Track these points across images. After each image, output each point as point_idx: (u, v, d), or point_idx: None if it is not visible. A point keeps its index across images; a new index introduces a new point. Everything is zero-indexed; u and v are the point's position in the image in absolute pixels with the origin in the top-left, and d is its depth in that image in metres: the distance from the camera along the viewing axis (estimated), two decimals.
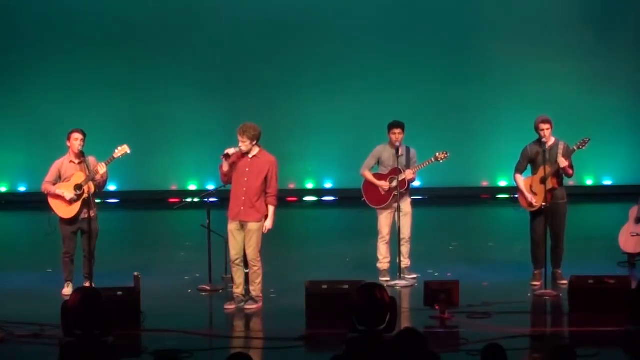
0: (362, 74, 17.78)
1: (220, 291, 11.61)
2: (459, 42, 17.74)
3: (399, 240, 11.87)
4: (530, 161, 11.73)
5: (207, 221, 11.86)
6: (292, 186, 18.00)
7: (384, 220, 11.98)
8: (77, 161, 11.37)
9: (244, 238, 10.76)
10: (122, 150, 11.38)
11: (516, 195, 11.97)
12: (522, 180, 11.76)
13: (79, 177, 11.30)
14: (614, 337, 9.29)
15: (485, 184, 18.28)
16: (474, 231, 15.39)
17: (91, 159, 11.35)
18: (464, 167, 17.26)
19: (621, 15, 17.87)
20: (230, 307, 10.88)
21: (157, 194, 18.02)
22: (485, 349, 6.90)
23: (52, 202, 11.37)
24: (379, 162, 12.02)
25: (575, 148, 11.53)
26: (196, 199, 14.87)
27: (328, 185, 18.29)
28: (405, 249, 11.95)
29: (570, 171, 11.60)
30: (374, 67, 17.76)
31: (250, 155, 10.72)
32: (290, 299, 11.09)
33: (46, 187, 11.38)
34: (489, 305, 10.69)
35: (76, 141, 11.34)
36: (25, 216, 16.67)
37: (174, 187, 18.22)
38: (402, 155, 11.86)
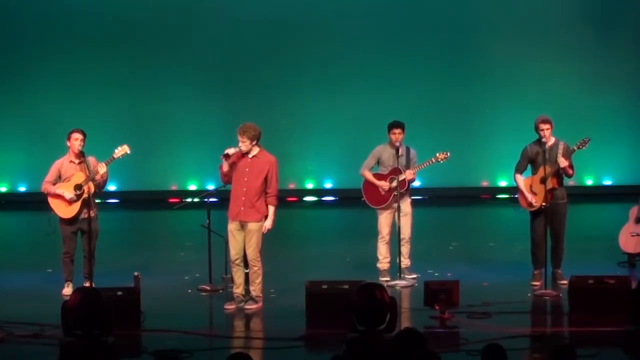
0: (362, 74, 17.79)
1: (220, 291, 11.61)
2: (459, 42, 17.74)
3: (399, 240, 11.87)
4: (530, 161, 11.73)
5: (207, 221, 11.86)
6: (292, 186, 18.00)
7: (384, 220, 11.98)
8: (77, 161, 11.37)
9: (244, 238, 10.75)
10: (122, 150, 11.38)
11: (516, 195, 11.97)
12: (522, 180, 11.76)
13: (79, 177, 11.30)
14: (614, 337, 9.29)
15: (485, 184, 18.28)
16: (474, 231, 15.39)
17: (91, 159, 11.35)
18: (464, 167, 17.26)
19: (621, 15, 17.87)
20: (230, 307, 10.88)
21: (157, 194, 18.03)
22: (485, 349, 6.90)
23: (52, 202, 11.37)
24: (378, 162, 12.01)
25: (575, 148, 11.53)
26: (196, 199, 14.87)
27: (328, 185, 18.29)
28: (405, 249, 11.94)
29: (570, 171, 11.60)
30: (374, 67, 17.76)
31: (250, 155, 10.72)
32: (290, 299, 11.09)
33: (46, 187, 11.38)
34: (489, 305, 10.69)
35: (76, 141, 11.34)
36: (25, 216, 16.67)
37: (174, 187, 18.23)
38: (402, 155, 11.86)
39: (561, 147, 11.53)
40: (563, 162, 11.46)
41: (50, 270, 12.36)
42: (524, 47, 17.66)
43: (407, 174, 11.85)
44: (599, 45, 17.78)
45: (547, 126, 11.51)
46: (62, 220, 11.40)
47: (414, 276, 11.97)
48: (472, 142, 17.73)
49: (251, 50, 17.79)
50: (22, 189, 18.15)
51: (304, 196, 18.36)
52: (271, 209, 10.82)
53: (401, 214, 11.87)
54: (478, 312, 10.51)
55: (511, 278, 11.96)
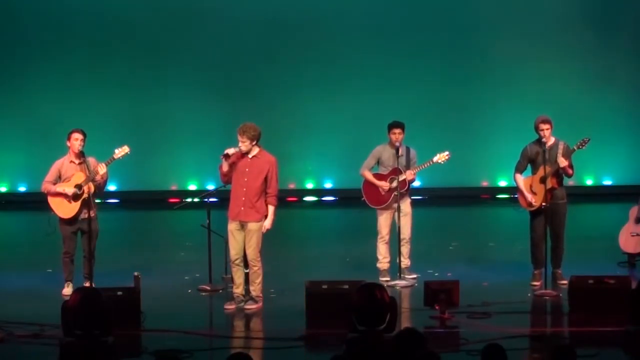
0: (362, 74, 17.79)
1: (220, 291, 11.60)
2: (459, 42, 17.74)
3: (399, 240, 11.87)
4: (530, 161, 11.73)
5: (207, 221, 11.86)
6: (292, 186, 18.00)
7: (384, 220, 11.98)
8: (77, 161, 11.37)
9: (244, 238, 10.75)
10: (122, 151, 11.38)
11: (516, 195, 11.97)
12: (521, 180, 11.76)
13: (79, 177, 11.30)
14: (614, 337, 9.29)
15: (485, 184, 18.28)
16: (474, 231, 15.39)
17: (91, 160, 11.34)
18: (464, 167, 17.25)
19: (621, 15, 17.87)
20: (230, 307, 10.88)
21: (157, 194, 18.02)
22: (485, 349, 6.90)
23: (52, 202, 11.37)
24: (378, 162, 12.01)
25: (575, 148, 11.53)
26: (196, 199, 14.87)
27: (328, 185, 18.29)
28: (405, 249, 11.94)
29: (570, 171, 11.60)
30: (374, 67, 17.76)
31: (250, 155, 10.72)
32: (290, 299, 11.09)
33: (46, 186, 11.38)
34: (489, 305, 10.69)
35: (76, 141, 11.33)
36: (25, 216, 16.66)
37: (174, 187, 18.23)
38: (402, 155, 11.86)
39: (561, 147, 11.53)
40: (563, 162, 11.46)
41: (50, 270, 12.36)
42: (524, 47, 17.66)
43: (407, 174, 11.85)
44: (599, 45, 17.78)
45: (547, 126, 11.52)
46: (62, 220, 11.40)
47: (414, 276, 11.97)
48: (472, 142, 17.73)
49: (251, 50, 17.79)
50: (22, 189, 18.15)
51: (304, 196, 18.35)
52: (271, 209, 10.82)
53: (401, 214, 11.87)
54: (478, 312, 10.51)
55: (511, 278, 11.96)
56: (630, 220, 12.58)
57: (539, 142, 11.56)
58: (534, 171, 11.70)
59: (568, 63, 17.75)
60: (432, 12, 17.78)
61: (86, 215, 11.21)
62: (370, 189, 11.99)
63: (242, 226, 10.74)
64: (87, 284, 11.14)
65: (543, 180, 11.46)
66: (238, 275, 10.85)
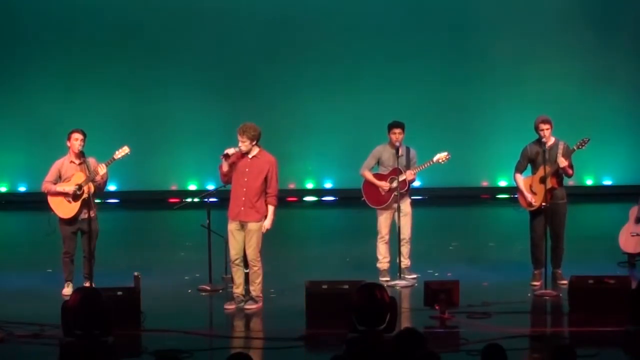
0: (362, 74, 17.79)
1: (220, 291, 11.60)
2: (459, 42, 17.74)
3: (399, 240, 11.87)
4: (530, 161, 11.73)
5: (207, 221, 11.86)
6: (292, 186, 18.00)
7: (384, 220, 11.98)
8: (77, 161, 11.37)
9: (244, 238, 10.75)
10: (123, 151, 11.39)
11: (516, 195, 11.97)
12: (521, 180, 11.76)
13: (79, 177, 11.30)
14: (614, 337, 9.29)
15: (485, 184, 18.28)
16: (474, 231, 15.39)
17: (91, 160, 11.34)
18: (464, 167, 17.24)
19: (621, 15, 17.87)
20: (230, 307, 10.88)
21: (157, 194, 18.03)
22: (485, 349, 6.90)
23: (52, 202, 11.37)
24: (378, 162, 12.01)
25: (575, 148, 11.53)
26: (196, 199, 14.87)
27: (328, 185, 18.29)
28: (405, 249, 11.94)
29: (570, 171, 11.60)
30: (374, 67, 17.76)
31: (250, 156, 10.72)
32: (290, 299, 11.09)
33: (46, 186, 11.37)
34: (489, 305, 10.69)
35: (76, 141, 11.33)
36: (25, 216, 16.66)
37: (174, 187, 18.23)
38: (402, 155, 11.86)
39: (561, 147, 11.53)
40: (563, 162, 11.46)
41: (50, 270, 12.36)
42: (524, 47, 17.66)
43: (408, 174, 11.85)
44: (599, 45, 17.78)
45: (547, 126, 11.52)
46: (62, 220, 11.40)
47: (414, 276, 11.97)
48: (472, 142, 17.73)
49: (251, 50, 17.79)
50: (22, 189, 18.16)
51: (304, 196, 18.36)
52: (271, 208, 10.81)
53: (401, 214, 11.87)
54: (478, 312, 10.51)
55: (511, 278, 11.96)
56: (630, 220, 12.58)
57: (539, 142, 11.56)
58: (534, 171, 11.70)
59: (568, 63, 17.75)
60: (432, 12, 17.78)
61: (86, 216, 11.21)
62: (370, 189, 11.99)
63: (242, 226, 10.74)
64: (87, 284, 11.14)
65: (543, 180, 11.46)
66: (238, 275, 10.85)
